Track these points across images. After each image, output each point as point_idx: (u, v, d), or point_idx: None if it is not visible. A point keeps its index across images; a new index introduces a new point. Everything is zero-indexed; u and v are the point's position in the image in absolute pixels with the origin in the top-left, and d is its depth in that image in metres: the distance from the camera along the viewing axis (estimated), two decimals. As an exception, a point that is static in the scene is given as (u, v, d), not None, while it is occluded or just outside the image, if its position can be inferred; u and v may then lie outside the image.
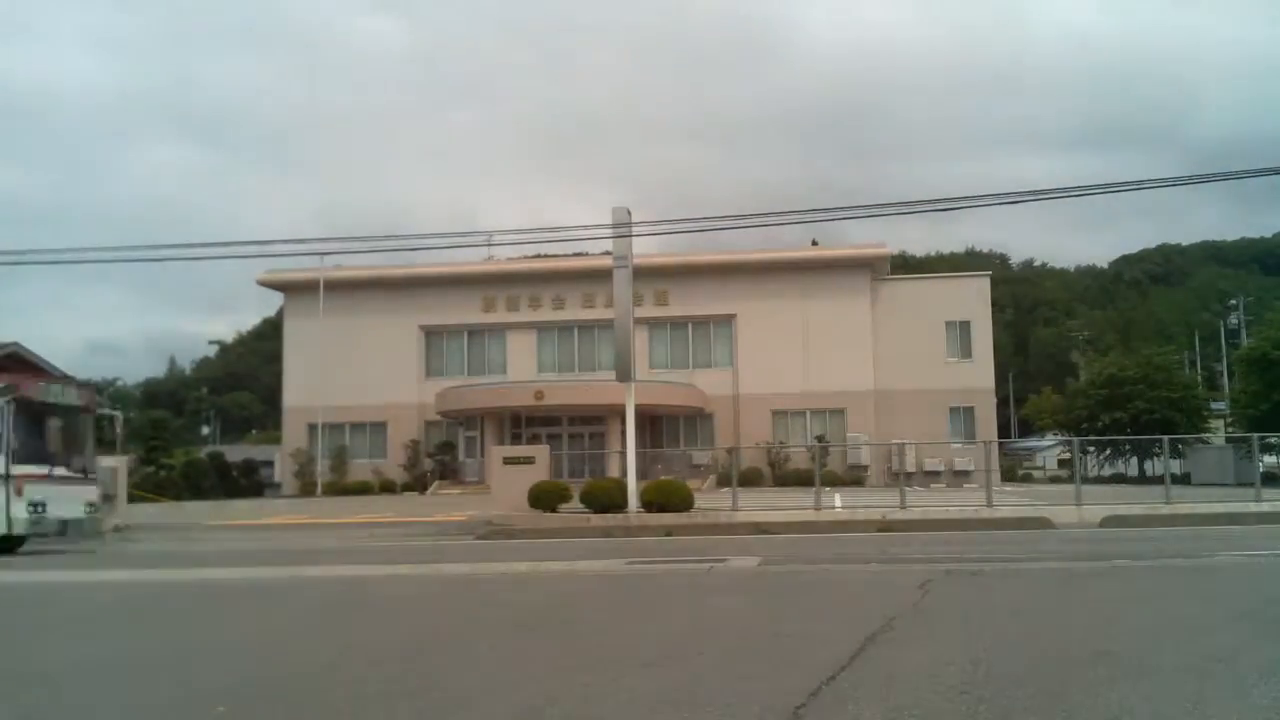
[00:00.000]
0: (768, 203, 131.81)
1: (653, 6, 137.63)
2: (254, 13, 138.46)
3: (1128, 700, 4.13)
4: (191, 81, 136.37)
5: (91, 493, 16.57)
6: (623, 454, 20.69)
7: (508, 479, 20.25)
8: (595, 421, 38.72)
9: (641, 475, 19.97)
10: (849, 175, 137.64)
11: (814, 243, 44.01)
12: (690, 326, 41.57)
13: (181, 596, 9.51)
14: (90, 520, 16.32)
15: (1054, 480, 40.78)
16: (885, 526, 16.33)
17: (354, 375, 40.98)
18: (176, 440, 52.74)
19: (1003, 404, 53.24)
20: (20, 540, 15.07)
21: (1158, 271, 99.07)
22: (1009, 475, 38.81)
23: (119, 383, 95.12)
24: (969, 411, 39.63)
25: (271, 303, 72.19)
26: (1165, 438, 24.41)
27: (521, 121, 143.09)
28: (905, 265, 75.09)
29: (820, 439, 36.84)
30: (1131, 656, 5.03)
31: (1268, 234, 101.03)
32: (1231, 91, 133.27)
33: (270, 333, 76.83)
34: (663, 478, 21.98)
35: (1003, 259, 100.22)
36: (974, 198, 20.52)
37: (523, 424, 39.56)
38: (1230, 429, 37.77)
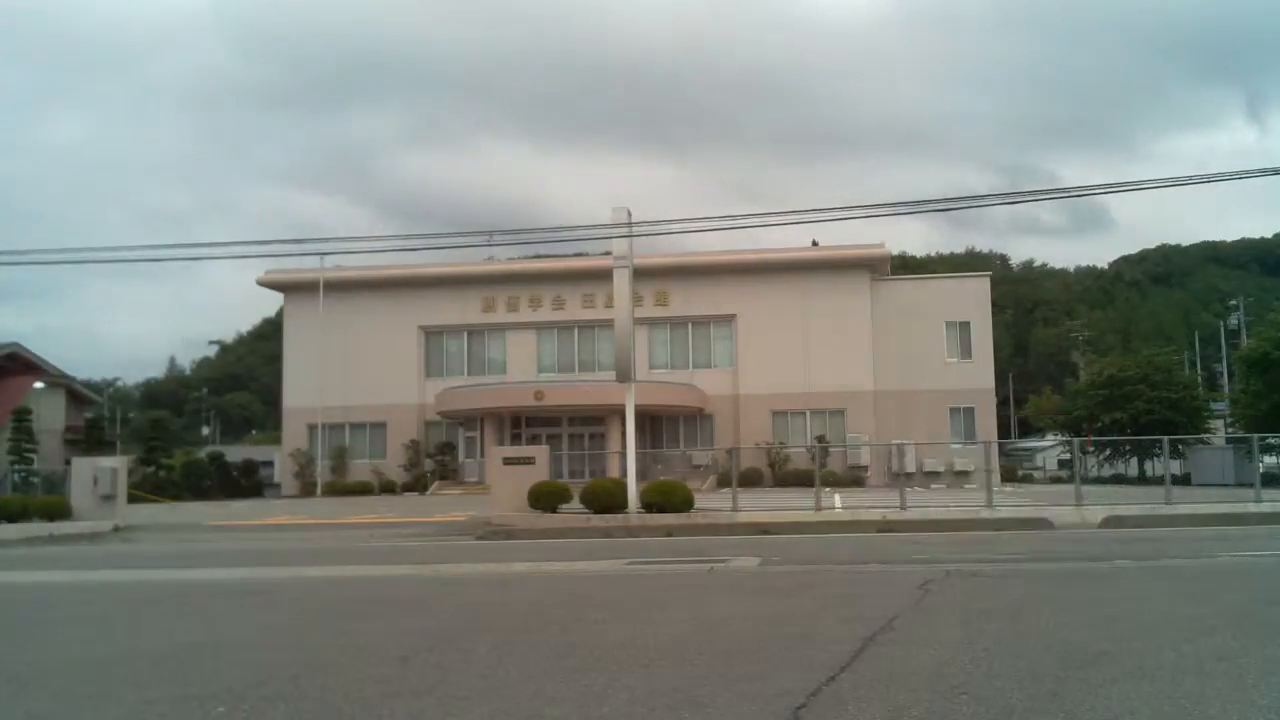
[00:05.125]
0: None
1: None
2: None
3: (1128, 700, 4.13)
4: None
5: None
6: (623, 454, 20.69)
7: (507, 479, 20.24)
8: (595, 422, 38.74)
9: (641, 475, 19.97)
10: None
11: (814, 243, 43.99)
12: (690, 326, 41.58)
13: (181, 596, 9.50)
14: None
15: (1054, 481, 40.77)
16: (885, 527, 16.32)
17: (354, 375, 41.01)
18: (176, 440, 52.88)
19: (1003, 404, 53.24)
20: None
21: (1158, 272, 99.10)
22: (1009, 476, 38.81)
23: (119, 383, 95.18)
24: (969, 412, 39.64)
25: (272, 303, 72.22)
26: (1165, 438, 24.39)
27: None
28: (905, 265, 75.13)
29: (820, 439, 36.84)
30: (1131, 656, 5.03)
31: (1268, 234, 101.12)
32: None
33: (270, 333, 76.89)
34: (663, 478, 21.98)
35: (1003, 259, 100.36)
36: (974, 197, 20.51)
37: (523, 424, 39.57)
38: (1230, 429, 37.77)
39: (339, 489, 38.77)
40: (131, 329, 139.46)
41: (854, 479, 35.96)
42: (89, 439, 41.76)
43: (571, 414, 39.14)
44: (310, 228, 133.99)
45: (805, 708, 4.07)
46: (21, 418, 37.06)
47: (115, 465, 22.69)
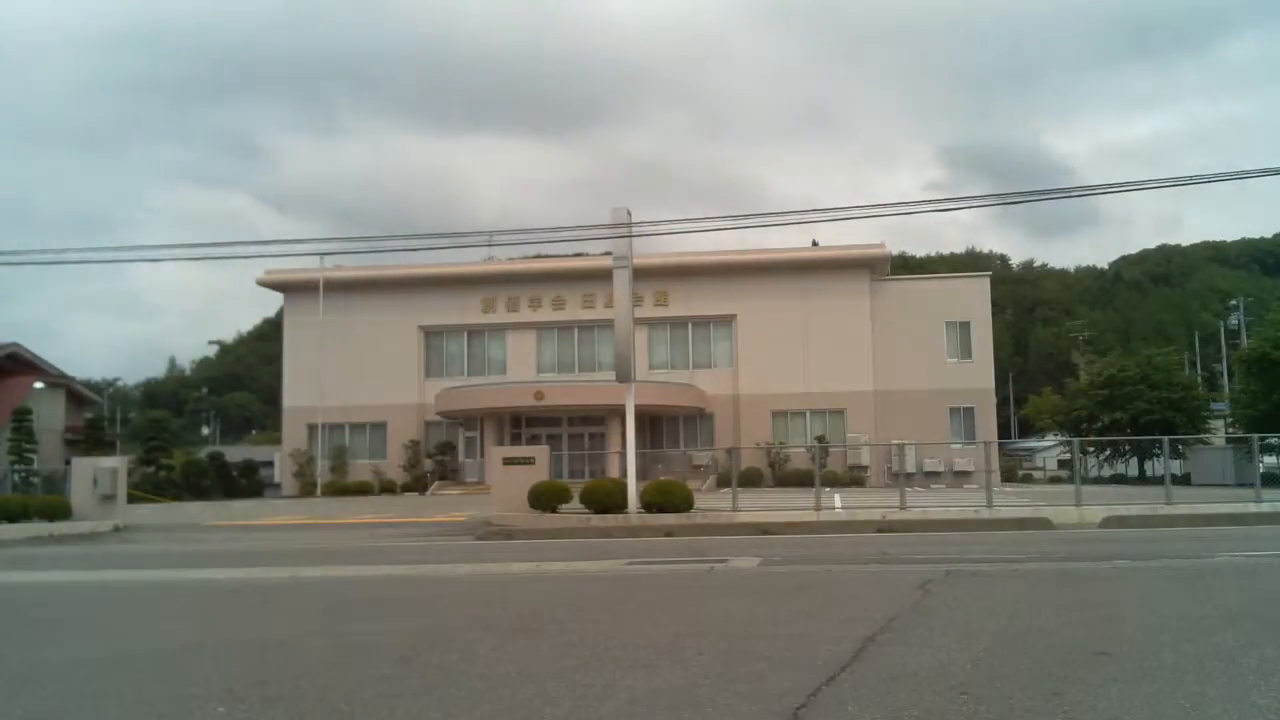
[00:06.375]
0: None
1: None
2: None
3: (1128, 700, 4.13)
4: None
5: None
6: (623, 454, 20.69)
7: (508, 479, 20.25)
8: (595, 422, 38.73)
9: (642, 475, 19.98)
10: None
11: (814, 243, 44.01)
12: (690, 326, 41.58)
13: (181, 597, 9.51)
14: None
15: (1054, 480, 40.78)
16: (885, 527, 16.32)
17: (354, 375, 41.01)
18: (176, 440, 52.81)
19: (1003, 404, 53.25)
20: None
21: (1158, 271, 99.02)
22: (1009, 476, 38.86)
23: (119, 383, 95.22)
24: (969, 412, 39.64)
25: (272, 303, 72.25)
26: (1165, 438, 24.42)
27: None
28: (905, 265, 75.15)
29: (820, 439, 36.84)
30: (1131, 656, 5.03)
31: (1268, 234, 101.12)
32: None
33: (270, 333, 76.91)
34: (663, 478, 21.97)
35: (1003, 259, 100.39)
36: (973, 197, 20.56)
37: (523, 424, 39.56)
38: (1230, 429, 37.76)
39: (339, 489, 38.76)
40: (131, 328, 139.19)
41: (854, 479, 35.99)
42: (89, 439, 41.73)
43: (571, 414, 39.14)
44: (231, 226, 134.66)
45: (805, 708, 4.07)
46: (21, 418, 37.05)
47: (115, 465, 22.68)
